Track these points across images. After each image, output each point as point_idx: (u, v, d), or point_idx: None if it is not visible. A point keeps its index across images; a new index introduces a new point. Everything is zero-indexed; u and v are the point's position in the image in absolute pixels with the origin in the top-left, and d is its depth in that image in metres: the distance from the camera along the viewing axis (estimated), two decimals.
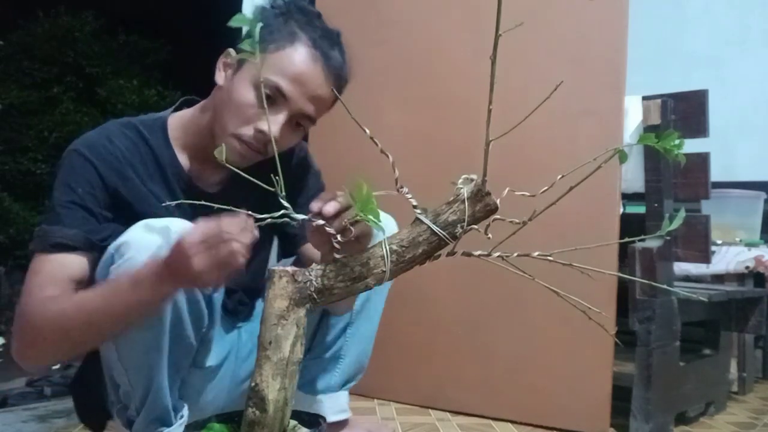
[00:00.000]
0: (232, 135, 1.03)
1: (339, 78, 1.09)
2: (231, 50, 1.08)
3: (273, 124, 1.03)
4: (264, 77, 1.00)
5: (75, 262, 0.98)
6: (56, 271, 0.97)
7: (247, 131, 1.03)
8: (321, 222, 0.83)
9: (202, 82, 1.20)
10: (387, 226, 1.17)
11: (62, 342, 0.95)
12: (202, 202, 0.85)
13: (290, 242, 1.29)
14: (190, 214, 1.01)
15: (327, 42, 1.06)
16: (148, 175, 1.07)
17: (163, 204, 1.03)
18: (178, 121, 1.13)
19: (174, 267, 0.85)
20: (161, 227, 0.96)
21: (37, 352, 0.97)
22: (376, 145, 0.78)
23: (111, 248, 0.98)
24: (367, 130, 0.79)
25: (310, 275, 0.83)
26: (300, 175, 1.28)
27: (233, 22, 0.77)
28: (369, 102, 1.86)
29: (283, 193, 0.81)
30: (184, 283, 0.89)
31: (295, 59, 1.03)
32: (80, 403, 1.16)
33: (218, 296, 1.11)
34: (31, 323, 0.94)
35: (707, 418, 1.90)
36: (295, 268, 0.83)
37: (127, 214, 1.02)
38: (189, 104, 1.18)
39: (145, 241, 0.94)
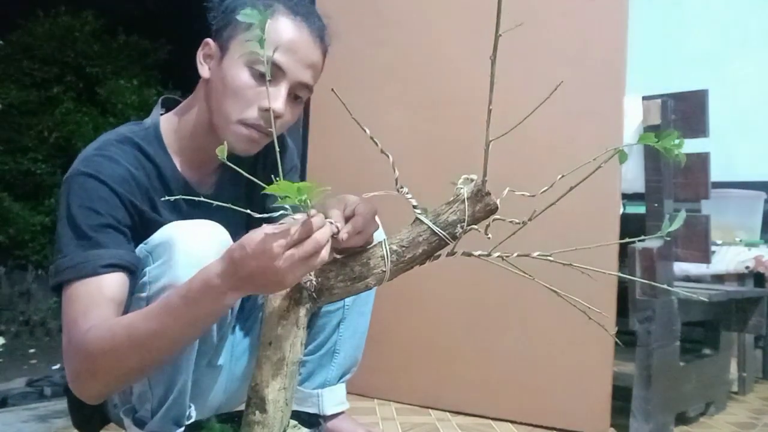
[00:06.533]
0: (237, 122, 1.01)
1: (323, 41, 1.08)
2: (209, 40, 1.05)
3: (275, 100, 1.01)
4: (254, 54, 0.98)
5: (116, 283, 0.93)
6: (96, 294, 0.91)
7: (252, 113, 1.01)
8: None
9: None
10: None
11: (118, 370, 0.89)
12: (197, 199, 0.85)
13: None
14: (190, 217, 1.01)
15: (303, 8, 1.05)
16: (154, 189, 1.05)
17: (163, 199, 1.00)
18: (168, 126, 1.10)
19: (247, 272, 0.77)
20: (194, 228, 0.96)
21: (98, 383, 0.92)
22: (376, 145, 0.78)
23: (143, 249, 0.97)
24: (367, 130, 0.79)
25: (310, 275, 0.83)
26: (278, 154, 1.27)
27: (242, 17, 0.76)
28: (369, 102, 1.86)
29: (276, 181, 0.79)
30: (258, 288, 0.81)
31: (282, 30, 1.01)
32: (75, 407, 1.11)
33: None
34: (84, 354, 0.88)
35: (707, 418, 1.90)
36: None
37: (143, 232, 1.00)
38: (169, 103, 1.15)
39: (182, 242, 0.93)
